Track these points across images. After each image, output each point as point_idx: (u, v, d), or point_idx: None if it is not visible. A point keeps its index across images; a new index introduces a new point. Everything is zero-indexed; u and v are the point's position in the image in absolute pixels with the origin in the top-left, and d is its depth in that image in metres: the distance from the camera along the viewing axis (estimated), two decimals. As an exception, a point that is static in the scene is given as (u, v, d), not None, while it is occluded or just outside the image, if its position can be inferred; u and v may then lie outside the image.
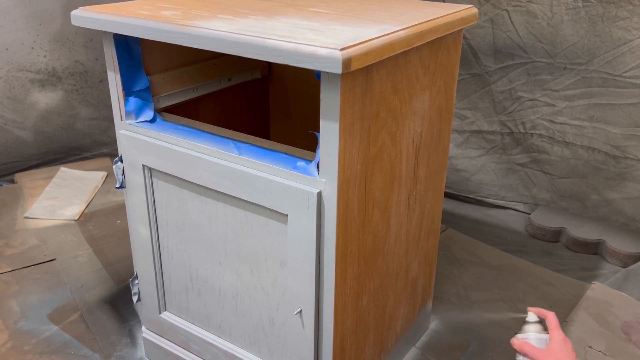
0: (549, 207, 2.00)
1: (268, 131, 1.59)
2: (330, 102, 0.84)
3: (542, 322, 1.02)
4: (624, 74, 1.73)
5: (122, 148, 1.13)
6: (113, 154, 2.42)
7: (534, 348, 0.97)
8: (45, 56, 2.24)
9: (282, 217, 0.95)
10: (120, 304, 1.55)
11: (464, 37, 1.94)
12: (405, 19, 0.99)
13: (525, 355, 0.97)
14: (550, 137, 1.93)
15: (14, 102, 2.22)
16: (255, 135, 1.05)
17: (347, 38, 0.84)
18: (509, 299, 1.59)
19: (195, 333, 1.21)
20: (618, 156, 1.82)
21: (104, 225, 1.91)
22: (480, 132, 2.06)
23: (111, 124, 2.36)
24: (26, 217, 1.94)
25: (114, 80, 1.09)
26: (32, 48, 2.20)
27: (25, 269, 1.68)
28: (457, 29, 1.09)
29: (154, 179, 1.12)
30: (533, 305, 1.55)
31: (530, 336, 0.99)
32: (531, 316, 1.02)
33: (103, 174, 2.24)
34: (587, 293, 1.60)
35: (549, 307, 1.56)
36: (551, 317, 1.00)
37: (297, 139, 1.53)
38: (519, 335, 1.01)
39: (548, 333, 0.99)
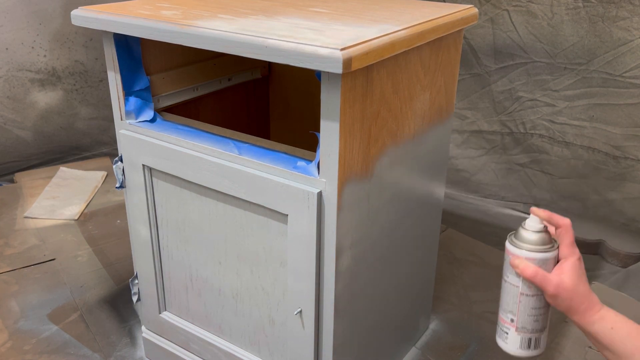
0: (549, 207, 2.00)
1: (268, 131, 1.59)
2: (330, 102, 0.84)
3: (547, 228, 0.78)
4: (624, 74, 1.73)
5: (122, 148, 1.13)
6: (113, 153, 2.41)
7: (544, 276, 0.75)
8: (45, 56, 2.24)
9: (282, 217, 0.95)
10: (120, 304, 1.55)
11: (464, 37, 1.94)
12: (405, 18, 0.99)
13: (531, 282, 0.76)
14: (550, 137, 1.93)
15: (14, 101, 2.22)
16: (255, 135, 1.05)
17: (347, 38, 0.84)
18: (509, 299, 1.59)
19: (195, 333, 1.21)
20: (618, 156, 1.82)
21: (103, 225, 1.91)
22: (480, 132, 2.06)
23: (111, 123, 2.36)
24: (26, 217, 1.93)
25: (114, 80, 1.09)
26: (32, 48, 2.20)
27: (25, 269, 1.68)
28: (458, 29, 1.09)
29: (154, 179, 1.12)
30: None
31: (536, 257, 0.76)
32: (534, 222, 0.77)
33: (103, 173, 2.24)
34: (587, 293, 1.60)
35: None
36: (567, 228, 0.77)
37: (297, 139, 1.53)
38: (519, 252, 0.77)
39: (557, 247, 0.77)
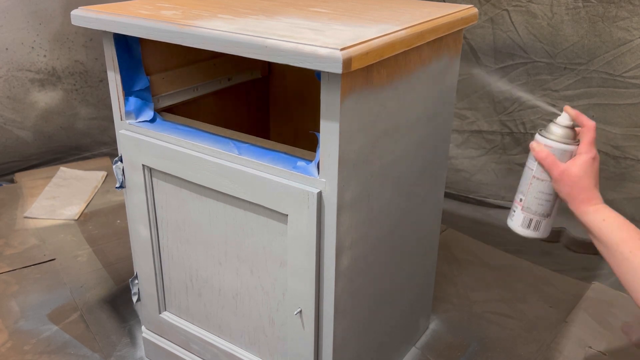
0: (549, 207, 2.00)
1: (268, 131, 1.59)
2: (330, 102, 0.84)
3: (574, 128, 0.86)
4: (624, 74, 1.73)
5: (122, 148, 1.13)
6: (113, 153, 2.42)
7: (553, 160, 0.84)
8: (45, 56, 2.24)
9: (282, 217, 0.95)
10: (120, 304, 1.55)
11: (464, 37, 1.94)
12: (405, 18, 0.99)
13: (541, 164, 0.85)
14: (550, 137, 1.93)
15: (14, 101, 2.22)
16: (255, 135, 1.05)
17: (347, 38, 0.84)
18: (509, 299, 1.59)
19: (195, 333, 1.21)
20: (618, 156, 1.82)
21: (103, 225, 1.91)
22: (480, 132, 2.06)
23: (111, 123, 2.36)
24: (26, 217, 1.93)
25: (114, 80, 1.09)
26: (32, 48, 2.20)
27: (25, 269, 1.68)
28: (458, 29, 1.09)
29: (154, 179, 1.12)
30: (535, 304, 1.56)
31: (554, 145, 0.85)
32: (564, 118, 0.86)
33: (103, 173, 2.24)
34: (587, 293, 1.60)
35: (549, 307, 1.57)
36: (589, 128, 0.84)
37: (297, 139, 1.53)
38: (542, 139, 0.87)
39: (577, 145, 0.85)
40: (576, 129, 0.87)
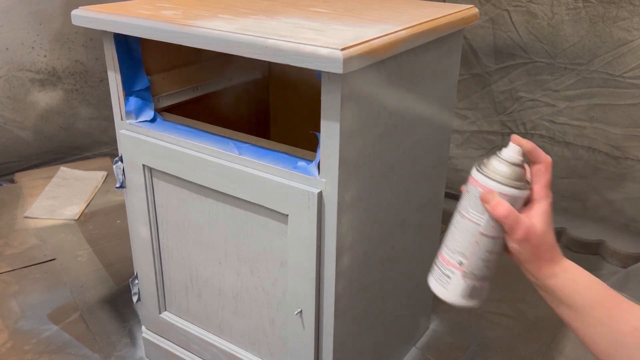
0: (549, 207, 1.99)
1: (268, 131, 1.59)
2: (330, 102, 0.84)
3: (523, 165, 0.66)
4: (624, 74, 1.73)
5: (122, 148, 1.13)
6: (113, 153, 2.41)
7: (517, 218, 0.64)
8: (45, 56, 2.24)
9: (283, 217, 0.95)
10: (120, 304, 1.55)
11: (465, 37, 1.94)
12: (405, 18, 0.99)
13: (500, 220, 0.64)
14: (550, 137, 1.93)
15: (14, 101, 2.22)
16: (255, 135, 1.05)
17: (347, 38, 0.84)
18: (509, 299, 1.59)
19: (195, 333, 1.21)
20: (618, 156, 1.82)
21: (104, 225, 1.91)
22: (480, 132, 2.06)
23: (111, 123, 2.35)
24: (26, 217, 1.93)
25: (114, 80, 1.09)
26: (32, 48, 2.20)
27: (25, 269, 1.68)
28: (458, 28, 1.09)
29: (154, 179, 1.12)
30: (535, 304, 1.56)
31: (509, 193, 0.64)
32: (515, 153, 0.65)
33: (103, 173, 2.24)
34: (587, 293, 1.60)
35: (549, 307, 1.56)
36: (547, 165, 0.66)
37: (297, 139, 1.53)
38: (491, 184, 0.64)
39: (529, 187, 0.66)
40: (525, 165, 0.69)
